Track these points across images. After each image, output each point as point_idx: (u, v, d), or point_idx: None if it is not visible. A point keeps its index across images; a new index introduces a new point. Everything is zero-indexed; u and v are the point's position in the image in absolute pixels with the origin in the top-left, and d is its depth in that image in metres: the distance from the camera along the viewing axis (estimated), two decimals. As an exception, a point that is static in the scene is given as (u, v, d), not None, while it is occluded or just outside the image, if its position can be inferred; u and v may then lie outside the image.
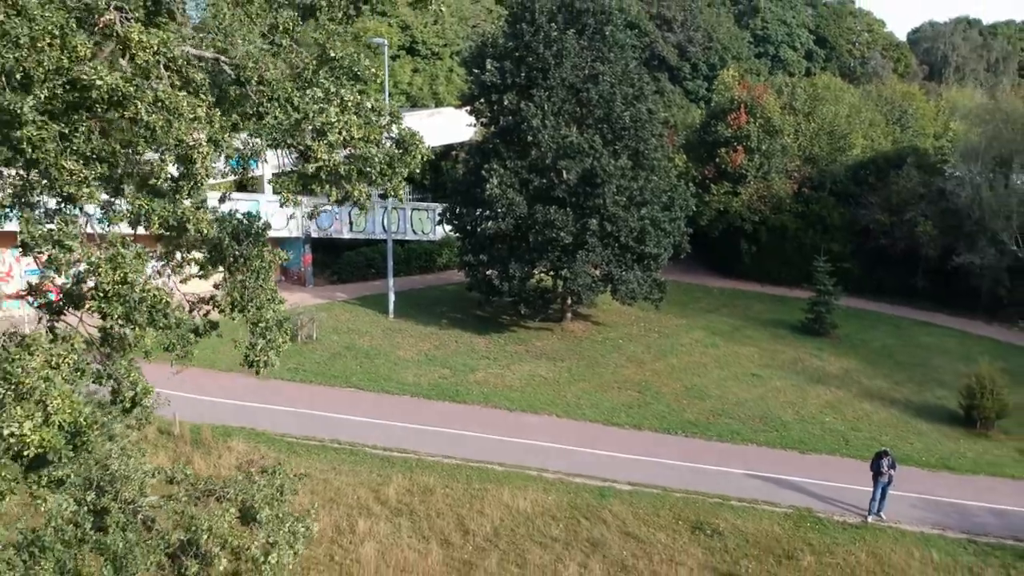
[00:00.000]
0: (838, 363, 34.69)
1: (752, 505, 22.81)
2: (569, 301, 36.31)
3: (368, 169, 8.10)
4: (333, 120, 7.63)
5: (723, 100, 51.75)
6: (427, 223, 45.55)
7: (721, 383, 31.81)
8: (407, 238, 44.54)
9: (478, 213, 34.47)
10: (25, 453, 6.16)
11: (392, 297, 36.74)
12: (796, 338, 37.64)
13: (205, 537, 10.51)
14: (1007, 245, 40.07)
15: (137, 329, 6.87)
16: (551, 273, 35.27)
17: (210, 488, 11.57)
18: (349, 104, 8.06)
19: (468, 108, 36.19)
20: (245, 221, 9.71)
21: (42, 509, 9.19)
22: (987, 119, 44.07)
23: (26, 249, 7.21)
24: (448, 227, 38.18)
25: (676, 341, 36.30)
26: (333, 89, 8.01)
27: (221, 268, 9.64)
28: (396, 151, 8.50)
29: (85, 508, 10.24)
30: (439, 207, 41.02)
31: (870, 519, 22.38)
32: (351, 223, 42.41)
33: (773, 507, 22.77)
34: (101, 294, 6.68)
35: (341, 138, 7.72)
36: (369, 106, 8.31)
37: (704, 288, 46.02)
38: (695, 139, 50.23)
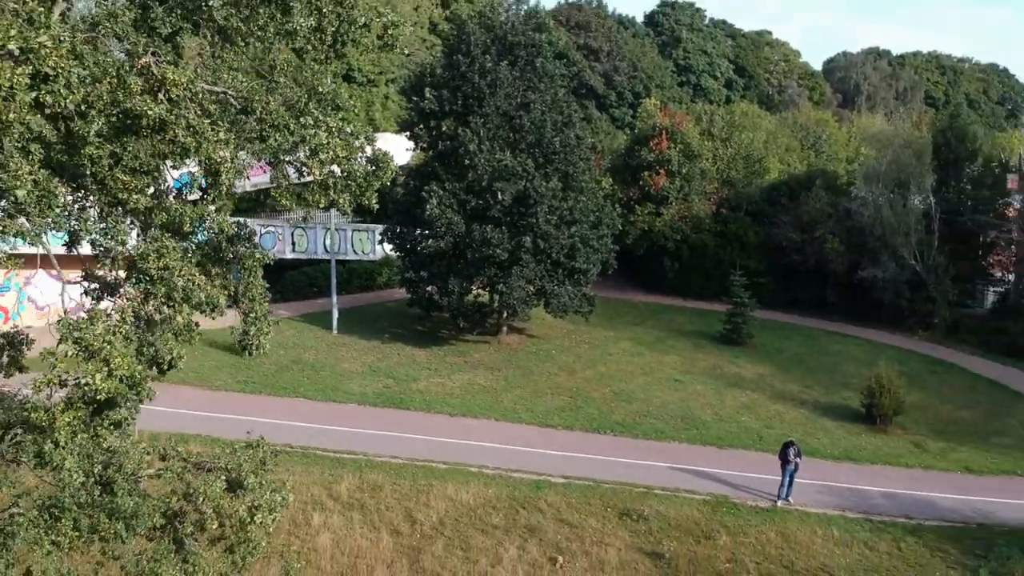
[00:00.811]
0: (753, 369, 37.47)
1: (674, 493, 25.09)
2: (505, 315, 38.43)
3: (350, 182, 10.07)
4: (324, 142, 9.58)
5: (646, 127, 54.82)
6: (367, 243, 47.28)
7: (646, 388, 34.22)
8: (348, 258, 46.18)
9: (418, 233, 36.42)
10: (98, 398, 7.94)
11: (336, 314, 38.36)
12: (715, 347, 40.40)
13: (200, 500, 12.25)
14: (906, 260, 43.57)
15: (176, 306, 8.69)
16: (488, 289, 37.36)
17: (200, 462, 13.28)
18: (334, 129, 10.04)
19: (407, 134, 38.24)
20: (239, 226, 11.60)
21: (58, 479, 10.89)
22: (887, 144, 47.75)
23: (74, 241, 8.96)
24: (389, 246, 39.99)
25: (605, 351, 38.70)
26: (321, 117, 9.98)
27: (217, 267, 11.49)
28: (370, 168, 10.50)
29: (92, 479, 11.92)
30: (379, 228, 42.84)
31: (779, 503, 24.85)
32: (294, 244, 43.97)
33: (693, 495, 25.08)
34: (147, 278, 8.49)
35: (330, 156, 9.68)
36: (349, 131, 10.30)
37: (630, 303, 48.65)
38: (620, 163, 53.12)
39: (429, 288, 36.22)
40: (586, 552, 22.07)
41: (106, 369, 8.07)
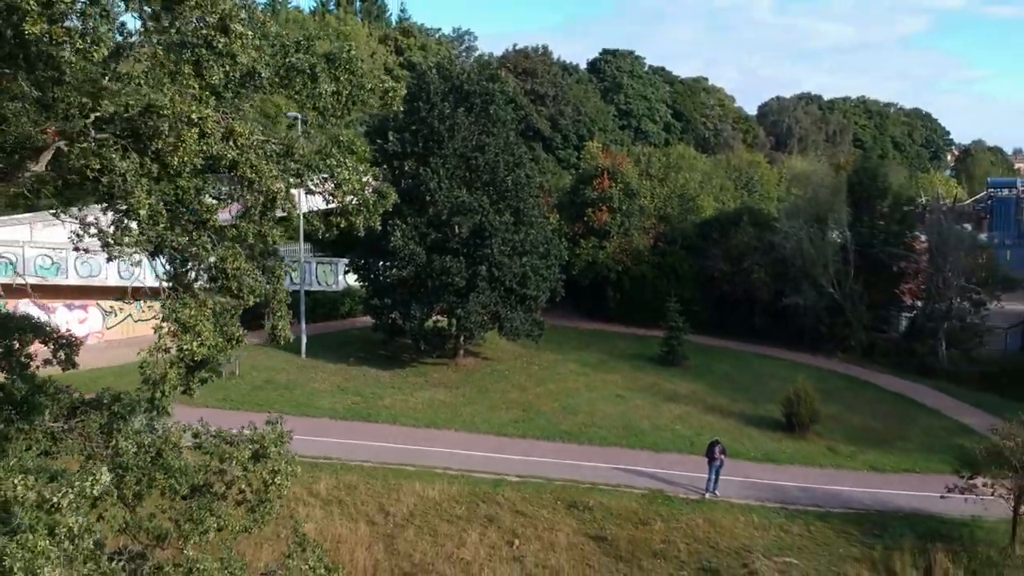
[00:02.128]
0: (687, 386, 41.22)
1: (616, 489, 28.53)
2: (462, 339, 41.76)
3: (363, 208, 13.38)
4: (347, 177, 12.90)
5: (589, 167, 58.99)
6: (331, 275, 50.31)
7: (591, 403, 37.72)
8: (312, 289, 49.13)
9: (382, 264, 39.68)
10: (195, 359, 11.08)
11: (304, 339, 41.30)
12: (653, 368, 44.17)
13: (233, 463, 15.32)
14: (825, 288, 47.91)
15: (244, 296, 11.88)
16: (446, 314, 40.67)
17: (230, 437, 16.37)
18: (351, 167, 13.40)
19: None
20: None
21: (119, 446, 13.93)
22: (808, 183, 52.43)
23: (159, 249, 12.14)
24: (353, 277, 43.13)
25: (553, 371, 42.20)
26: (342, 159, 13.35)
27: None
28: (376, 197, 13.88)
29: (143, 449, 14.98)
30: (343, 261, 45.93)
31: (707, 496, 28.40)
32: (262, 275, 46.73)
33: (632, 489, 28.56)
34: (224, 275, 11.68)
35: (350, 188, 12.99)
36: (361, 169, 13.68)
37: (576, 329, 52.31)
38: (567, 200, 57.13)
39: (393, 314, 39.39)
40: (539, 536, 25.39)
41: (199, 339, 11.29)
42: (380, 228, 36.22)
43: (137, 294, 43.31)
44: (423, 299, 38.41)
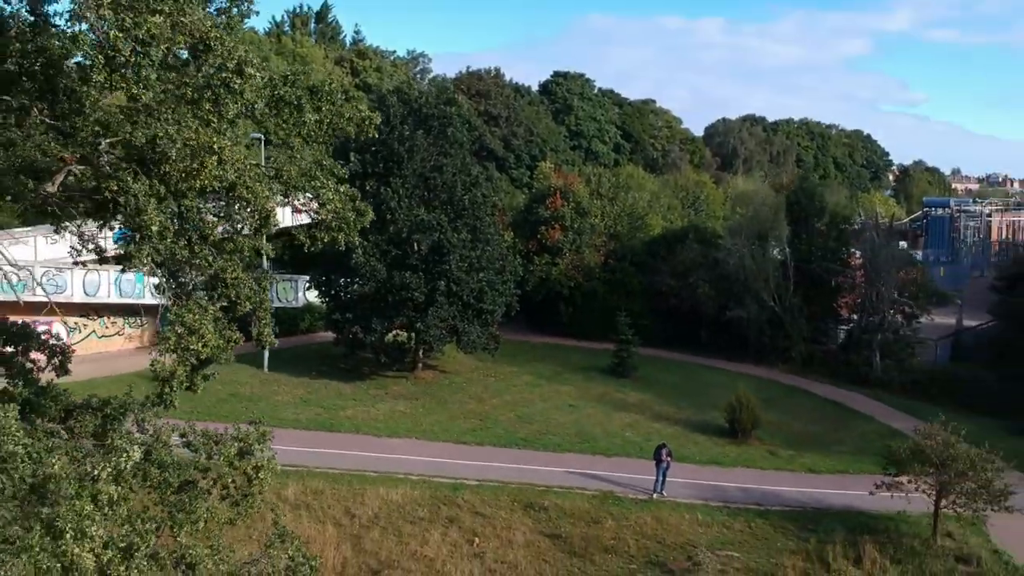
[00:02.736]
0: (637, 396, 43.18)
1: (569, 491, 30.20)
2: (421, 352, 43.23)
3: (344, 224, 14.95)
4: (331, 196, 14.46)
5: (542, 187, 61.13)
6: (291, 292, 51.46)
7: (545, 412, 39.44)
8: (273, 305, 50.08)
9: (343, 280, 41.05)
10: (201, 358, 12.51)
11: (267, 353, 42.39)
12: (604, 379, 46.09)
13: (220, 458, 16.70)
14: (766, 302, 50.38)
15: (241, 303, 13.34)
16: (406, 329, 42.13)
17: (217, 436, 17.73)
18: (332, 187, 14.97)
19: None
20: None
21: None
22: (750, 202, 55.00)
23: (167, 261, 13.59)
24: (315, 293, 44.40)
25: (509, 383, 43.87)
26: (325, 180, 14.92)
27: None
28: (355, 215, 15.46)
29: (136, 446, 16.30)
30: (302, 278, 47.16)
31: (654, 496, 30.21)
32: (223, 292, 47.73)
33: (585, 491, 30.26)
34: (224, 284, 13.14)
35: (334, 207, 14.55)
36: (342, 189, 15.27)
37: (530, 343, 54.07)
38: (520, 219, 59.08)
39: (354, 328, 40.71)
40: (498, 535, 26.93)
41: (203, 341, 12.77)
42: (342, 246, 37.58)
43: (102, 311, 44.25)
44: (384, 313, 39.80)
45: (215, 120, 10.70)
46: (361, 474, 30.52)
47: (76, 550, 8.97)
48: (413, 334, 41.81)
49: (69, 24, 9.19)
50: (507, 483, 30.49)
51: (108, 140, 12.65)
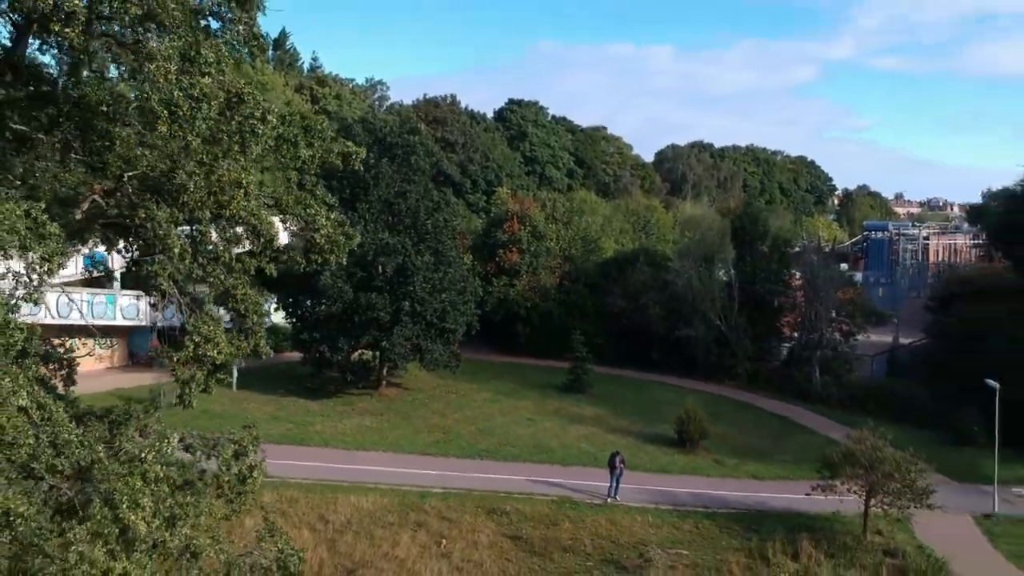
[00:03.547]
0: (592, 410, 45.43)
1: (529, 497, 32.21)
2: (385, 370, 45.03)
3: (335, 246, 16.92)
4: (324, 222, 16.45)
5: (500, 211, 63.50)
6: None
7: (504, 426, 41.47)
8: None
9: (310, 301, 42.77)
10: (216, 362, 14.39)
11: (236, 372, 43.82)
12: (561, 395, 48.32)
13: (219, 458, 18.48)
14: (713, 321, 53.09)
15: (250, 316, 15.21)
16: (371, 348, 43.90)
17: (214, 439, 19.48)
18: (325, 214, 16.98)
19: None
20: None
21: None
22: (697, 226, 57.87)
23: (185, 278, 15.41)
24: (282, 314, 45.96)
25: (469, 399, 45.86)
26: (318, 207, 16.91)
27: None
28: (344, 238, 17.46)
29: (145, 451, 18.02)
30: (271, 299, 48.69)
31: (609, 500, 32.35)
32: (191, 313, 49.10)
33: (544, 497, 32.30)
34: (234, 299, 14.98)
35: (326, 231, 16.54)
36: (333, 216, 17.28)
37: (489, 362, 56.11)
38: (479, 242, 61.35)
39: (321, 347, 42.39)
40: (463, 537, 28.85)
41: (217, 348, 14.67)
42: (307, 268, 39.34)
43: (74, 332, 45.22)
44: (350, 333, 41.57)
45: (242, 159, 12.66)
46: (333, 484, 32.22)
47: (132, 517, 10.80)
48: (378, 352, 43.62)
49: (133, 84, 11.10)
50: (471, 490, 32.42)
51: (129, 173, 14.56)
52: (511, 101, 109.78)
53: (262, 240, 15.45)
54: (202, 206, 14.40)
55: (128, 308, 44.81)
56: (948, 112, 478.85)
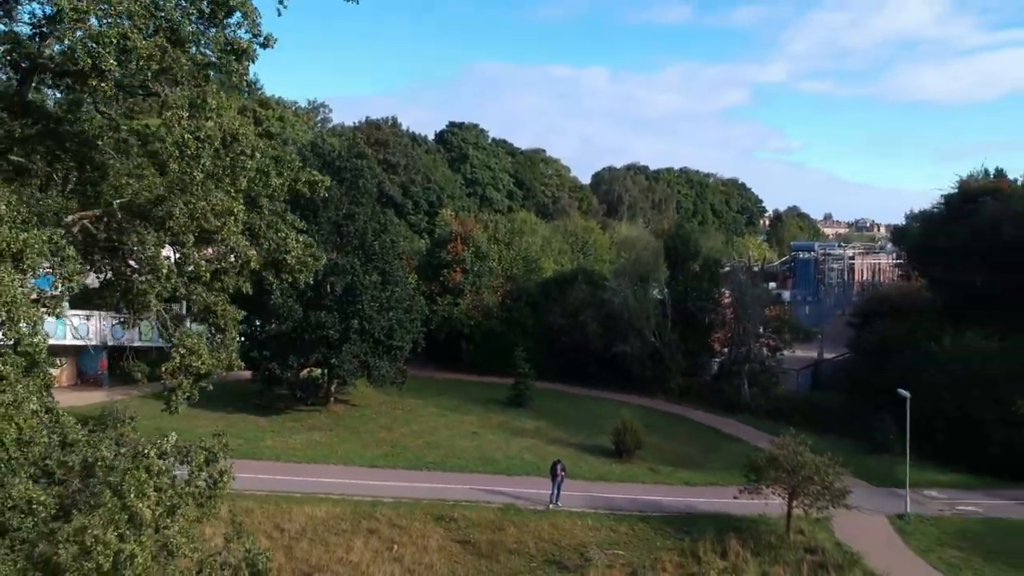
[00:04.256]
0: (533, 423, 47.37)
1: (476, 504, 33.93)
2: (333, 388, 46.36)
3: (303, 267, 18.62)
4: (294, 245, 18.13)
5: (444, 232, 65.33)
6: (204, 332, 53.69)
7: (450, 439, 43.13)
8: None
9: (260, 321, 43.96)
10: (201, 372, 15.92)
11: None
12: (504, 409, 50.18)
13: (194, 464, 19.89)
14: (648, 338, 55.58)
15: (228, 330, 16.79)
16: (320, 366, 45.22)
17: (186, 448, 20.89)
18: (295, 237, 18.67)
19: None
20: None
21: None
22: (632, 247, 60.48)
23: (172, 297, 16.87)
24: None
25: (415, 414, 47.44)
26: (287, 231, 18.61)
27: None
28: (312, 259, 19.19)
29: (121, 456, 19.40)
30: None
31: (551, 506, 34.23)
32: (140, 333, 49.79)
33: (490, 504, 34.05)
34: (214, 314, 16.54)
35: (296, 253, 18.22)
36: (302, 239, 18.99)
37: (434, 379, 57.77)
38: (424, 262, 63.09)
39: (272, 365, 43.59)
40: (414, 542, 30.46)
41: (200, 359, 16.25)
42: (256, 288, 40.73)
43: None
44: (300, 351, 42.89)
45: (231, 189, 14.34)
46: (286, 495, 33.52)
47: (139, 504, 12.35)
48: (327, 370, 44.96)
49: (149, 129, 12.77)
50: (419, 500, 34.01)
51: (118, 201, 16.11)
52: (452, 124, 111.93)
53: (240, 261, 17.06)
54: (185, 230, 15.99)
55: (80, 327, 45.42)
56: (875, 135, 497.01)
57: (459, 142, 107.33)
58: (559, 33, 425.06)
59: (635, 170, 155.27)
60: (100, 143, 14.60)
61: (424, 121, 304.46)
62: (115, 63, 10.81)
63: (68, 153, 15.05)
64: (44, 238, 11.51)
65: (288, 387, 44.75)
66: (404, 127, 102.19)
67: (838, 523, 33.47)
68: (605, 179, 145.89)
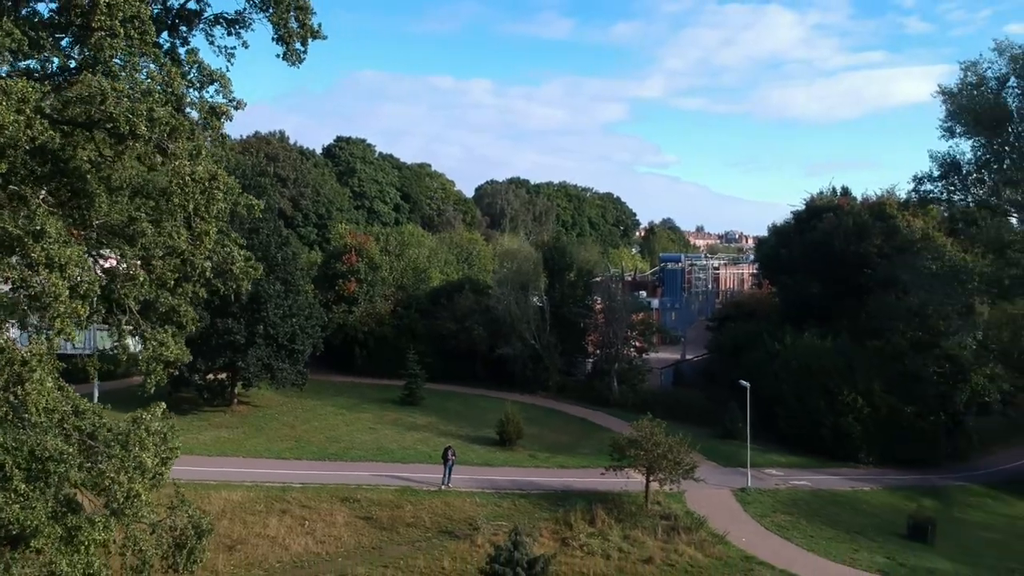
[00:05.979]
0: (425, 419, 51.93)
1: (376, 487, 38.24)
2: (236, 390, 49.72)
3: (244, 276, 22.74)
4: (238, 257, 22.22)
5: (339, 245, 69.19)
6: (107, 340, 55.83)
7: (350, 433, 47.25)
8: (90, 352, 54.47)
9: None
10: (170, 360, 19.87)
11: (96, 393, 47.20)
12: (397, 407, 54.59)
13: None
14: (528, 341, 60.96)
15: (188, 327, 20.81)
16: (225, 370, 48.51)
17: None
18: (238, 251, 22.79)
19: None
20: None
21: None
22: (513, 258, 65.85)
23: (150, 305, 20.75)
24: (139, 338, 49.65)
25: (316, 413, 51.31)
26: (233, 247, 22.70)
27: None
28: (250, 267, 23.33)
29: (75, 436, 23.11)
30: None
31: (443, 487, 38.85)
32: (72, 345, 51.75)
33: (388, 487, 38.42)
34: (177, 314, 20.45)
35: (240, 264, 22.32)
36: (243, 253, 23.13)
37: (331, 382, 61.53)
38: (320, 273, 66.76)
39: (180, 368, 46.55)
40: (323, 519, 34.47)
41: (170, 349, 20.28)
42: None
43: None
44: (207, 355, 46.17)
45: (206, 215, 18.42)
46: (202, 483, 37.00)
47: (143, 455, 16.44)
48: (231, 373, 48.32)
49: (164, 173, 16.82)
50: (325, 484, 38.08)
51: (98, 221, 19.99)
52: (339, 138, 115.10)
53: (196, 272, 21.14)
54: (154, 245, 20.00)
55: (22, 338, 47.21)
56: (747, 150, 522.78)
57: (347, 156, 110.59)
58: (442, 42, 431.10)
59: (517, 184, 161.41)
60: (92, 179, 18.43)
61: (304, 128, 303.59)
62: (145, 128, 14.79)
63: (63, 186, 18.85)
64: (80, 252, 15.39)
65: (196, 390, 47.84)
66: (293, 142, 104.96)
67: (689, 496, 39.31)
68: (488, 192, 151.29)
